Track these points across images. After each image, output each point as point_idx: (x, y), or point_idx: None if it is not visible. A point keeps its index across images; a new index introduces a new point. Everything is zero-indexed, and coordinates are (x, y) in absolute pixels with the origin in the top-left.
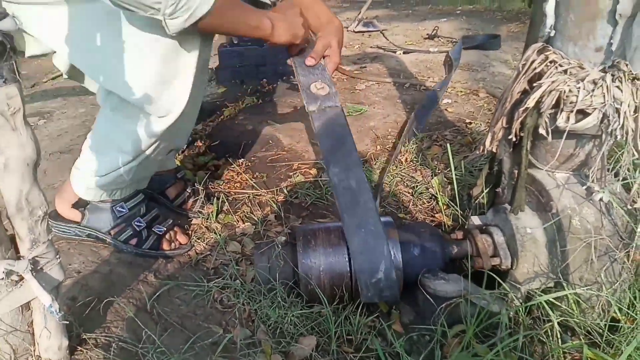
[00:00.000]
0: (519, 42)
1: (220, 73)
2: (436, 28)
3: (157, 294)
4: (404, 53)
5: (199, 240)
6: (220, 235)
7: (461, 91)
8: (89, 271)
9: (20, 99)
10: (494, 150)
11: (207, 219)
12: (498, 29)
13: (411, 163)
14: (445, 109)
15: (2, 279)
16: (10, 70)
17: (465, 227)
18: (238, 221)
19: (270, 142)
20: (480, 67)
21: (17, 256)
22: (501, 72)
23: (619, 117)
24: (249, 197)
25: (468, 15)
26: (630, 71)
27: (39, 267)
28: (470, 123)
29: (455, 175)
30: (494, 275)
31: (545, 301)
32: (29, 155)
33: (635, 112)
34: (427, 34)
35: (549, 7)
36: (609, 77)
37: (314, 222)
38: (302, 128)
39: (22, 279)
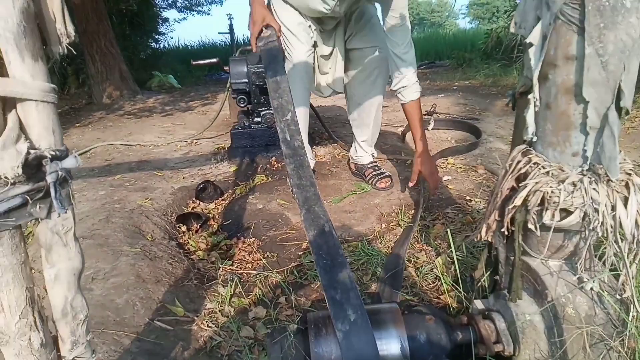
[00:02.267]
0: (513, 117)
1: (232, 152)
2: (434, 105)
3: None
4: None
5: (213, 326)
6: (233, 320)
7: (460, 167)
8: None
9: (72, 219)
10: (490, 240)
11: (221, 303)
12: (493, 104)
13: (415, 242)
14: (446, 186)
15: None
16: (67, 197)
17: (469, 311)
18: (250, 304)
19: (280, 220)
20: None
21: (58, 355)
22: (498, 147)
23: (598, 215)
24: (260, 278)
25: (464, 91)
26: (606, 173)
27: None
28: (471, 200)
29: (457, 256)
30: None
31: None
32: (76, 266)
33: (612, 210)
34: (426, 111)
35: (529, 117)
36: (586, 180)
37: (325, 306)
38: None
39: None
